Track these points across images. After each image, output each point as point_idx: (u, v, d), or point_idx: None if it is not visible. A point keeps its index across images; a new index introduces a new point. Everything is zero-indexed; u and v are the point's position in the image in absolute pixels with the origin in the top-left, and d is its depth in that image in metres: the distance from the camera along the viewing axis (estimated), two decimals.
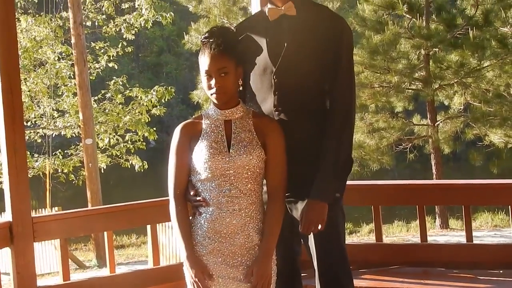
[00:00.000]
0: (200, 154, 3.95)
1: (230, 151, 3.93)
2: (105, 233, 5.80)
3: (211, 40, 3.92)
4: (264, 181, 4.06)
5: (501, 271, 5.73)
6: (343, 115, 4.12)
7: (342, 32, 4.18)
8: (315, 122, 4.14)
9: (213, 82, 3.91)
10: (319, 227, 4.03)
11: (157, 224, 6.30)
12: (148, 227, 6.57)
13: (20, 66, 5.57)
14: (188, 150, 4.00)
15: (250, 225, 3.94)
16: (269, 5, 4.27)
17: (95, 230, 5.85)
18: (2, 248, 5.22)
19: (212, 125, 4.00)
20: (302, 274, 4.46)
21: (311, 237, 4.18)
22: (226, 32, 4.02)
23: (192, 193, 4.00)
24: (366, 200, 6.29)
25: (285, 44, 4.14)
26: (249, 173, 3.94)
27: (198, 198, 3.98)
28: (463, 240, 6.43)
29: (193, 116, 4.24)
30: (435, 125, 19.39)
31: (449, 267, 5.86)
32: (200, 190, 3.98)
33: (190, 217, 4.04)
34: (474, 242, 6.21)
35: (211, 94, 3.95)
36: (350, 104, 4.17)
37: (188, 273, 3.96)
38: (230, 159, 3.91)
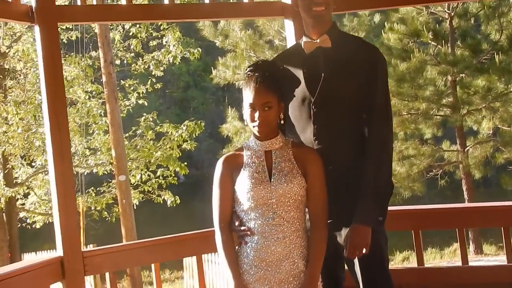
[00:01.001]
0: (243, 185, 4.06)
1: (272, 180, 4.04)
2: (153, 265, 5.90)
3: (256, 74, 4.04)
4: (307, 209, 4.15)
5: None
6: (381, 141, 4.23)
7: (376, 62, 4.30)
8: (354, 150, 4.25)
9: (256, 115, 4.02)
10: (364, 251, 4.12)
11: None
12: (193, 258, 6.66)
13: None
14: (231, 181, 4.12)
15: (295, 252, 4.03)
16: (304, 38, 4.42)
17: (143, 263, 5.96)
18: (55, 283, 5.32)
19: (253, 156, 4.12)
20: None
21: (356, 262, 4.27)
22: (271, 67, 4.15)
23: (237, 223, 4.11)
24: (405, 225, 6.34)
25: (322, 75, 4.26)
26: (291, 201, 4.03)
27: (242, 228, 4.08)
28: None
29: (235, 149, 4.36)
30: (465, 150, 19.40)
31: None
32: (244, 220, 4.09)
33: (236, 247, 4.14)
34: None
35: (254, 126, 4.06)
36: (388, 131, 4.28)
37: None
38: (272, 188, 4.02)
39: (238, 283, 4.02)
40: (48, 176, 18.51)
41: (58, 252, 5.32)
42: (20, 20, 5.48)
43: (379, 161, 4.21)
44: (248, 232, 4.06)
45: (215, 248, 4.18)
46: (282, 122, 4.18)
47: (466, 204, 7.90)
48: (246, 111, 4.08)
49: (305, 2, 4.31)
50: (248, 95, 4.06)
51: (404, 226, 6.35)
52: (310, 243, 4.09)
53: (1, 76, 19.54)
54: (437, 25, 19.70)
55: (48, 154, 5.44)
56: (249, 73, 4.09)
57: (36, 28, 5.38)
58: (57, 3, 5.72)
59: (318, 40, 4.35)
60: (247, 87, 4.07)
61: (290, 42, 5.92)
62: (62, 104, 5.43)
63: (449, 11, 19.58)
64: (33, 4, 5.36)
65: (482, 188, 26.00)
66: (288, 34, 6.08)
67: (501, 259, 17.19)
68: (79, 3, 5.73)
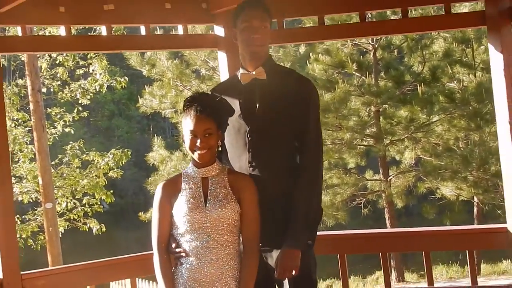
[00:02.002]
0: (180, 209, 4.30)
1: (207, 205, 4.29)
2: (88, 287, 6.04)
3: (195, 104, 4.28)
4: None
5: None
6: (312, 169, 4.49)
7: (309, 94, 4.60)
8: (287, 176, 4.50)
9: (198, 142, 4.25)
10: (293, 272, 4.35)
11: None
12: (128, 281, 6.79)
13: None
14: (169, 206, 4.36)
15: (227, 273, 4.29)
16: (241, 70, 4.66)
17: (81, 285, 6.12)
18: None
19: (191, 182, 4.36)
20: None
21: (286, 284, 4.49)
22: (209, 98, 4.41)
23: (173, 245, 4.35)
24: (331, 249, 6.55)
25: (257, 105, 4.51)
26: (225, 225, 4.29)
27: (178, 250, 4.33)
28: None
29: (173, 175, 4.60)
30: (388, 179, 19.77)
31: None
32: (180, 242, 4.33)
33: (173, 268, 4.37)
34: None
35: (194, 153, 4.29)
36: (319, 159, 4.56)
37: None
38: (207, 212, 4.27)
39: None
40: None
41: None
42: None
43: (309, 189, 4.45)
44: (183, 254, 4.29)
45: (150, 271, 4.41)
46: (220, 149, 4.41)
47: (389, 230, 8.19)
48: (187, 138, 4.30)
49: (243, 37, 4.53)
50: (188, 124, 4.27)
51: (329, 250, 6.57)
52: (242, 265, 4.34)
53: None
54: (361, 56, 20.09)
55: None
56: (188, 103, 4.31)
57: None
58: None
59: (254, 72, 4.58)
60: (187, 116, 4.28)
61: (223, 72, 6.14)
62: (3, 129, 5.54)
63: (373, 43, 19.97)
64: None
65: (404, 217, 26.44)
66: (221, 65, 6.29)
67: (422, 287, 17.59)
68: (20, 34, 5.83)
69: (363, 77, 19.46)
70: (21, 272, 5.62)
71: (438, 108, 18.92)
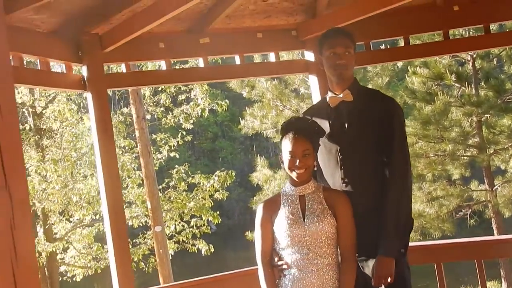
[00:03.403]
0: (280, 225, 4.65)
1: (305, 220, 4.61)
2: None
3: (293, 127, 4.62)
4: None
5: None
6: (400, 180, 4.77)
7: (393, 111, 4.88)
8: (377, 190, 4.77)
9: (297, 162, 4.58)
10: (389, 280, 4.63)
11: None
12: None
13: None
14: (270, 222, 4.71)
15: (328, 283, 4.59)
16: (329, 94, 4.99)
17: None
18: None
19: (289, 200, 4.70)
20: None
21: None
22: (304, 121, 4.76)
23: (276, 259, 4.69)
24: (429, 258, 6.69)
25: (346, 125, 4.85)
26: (323, 238, 4.61)
27: (281, 263, 4.66)
28: None
29: (273, 195, 4.91)
30: (493, 189, 19.54)
31: None
32: (283, 256, 4.67)
33: (277, 280, 4.69)
34: None
35: (293, 172, 4.63)
36: (406, 170, 4.82)
37: None
38: (306, 227, 4.59)
39: None
40: (85, 230, 18.99)
41: None
42: (75, 88, 6.03)
43: (398, 199, 4.72)
44: (286, 266, 4.62)
45: (254, 286, 4.73)
46: (316, 169, 4.76)
47: (486, 237, 8.26)
48: (286, 159, 4.63)
49: (329, 63, 4.83)
50: (287, 145, 4.61)
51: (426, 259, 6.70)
52: (341, 274, 4.64)
53: (39, 136, 20.08)
54: (459, 67, 19.95)
55: (102, 205, 5.99)
56: (286, 127, 4.65)
57: (89, 95, 5.91)
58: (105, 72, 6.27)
59: (341, 95, 4.90)
60: (285, 138, 4.62)
61: (315, 94, 6.42)
62: (114, 158, 5.97)
63: (471, 53, 19.84)
64: (85, 73, 5.89)
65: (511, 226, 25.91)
66: (312, 87, 6.57)
67: None
68: (124, 70, 6.24)
69: (462, 87, 19.36)
70: None
71: None
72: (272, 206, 4.75)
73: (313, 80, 6.51)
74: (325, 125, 4.89)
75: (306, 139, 4.60)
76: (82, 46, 5.91)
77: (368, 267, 4.75)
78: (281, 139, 4.69)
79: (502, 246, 6.67)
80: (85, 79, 5.92)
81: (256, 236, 4.76)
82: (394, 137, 4.79)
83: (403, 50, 6.71)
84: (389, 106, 4.91)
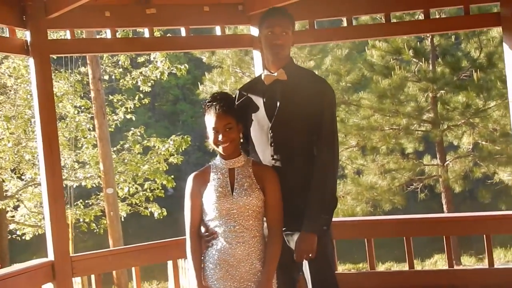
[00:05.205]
0: (209, 198, 4.80)
1: (233, 194, 4.78)
2: (133, 268, 6.52)
3: (214, 103, 4.76)
4: (265, 218, 4.88)
5: None
6: (327, 160, 4.94)
7: (324, 92, 5.04)
8: (306, 167, 4.94)
9: (220, 136, 4.74)
10: (310, 255, 4.81)
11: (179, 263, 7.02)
12: (170, 263, 7.22)
13: None
14: (199, 195, 4.86)
15: (253, 254, 4.78)
16: (265, 71, 5.13)
17: (125, 266, 6.67)
18: (46, 284, 5.94)
19: (218, 173, 4.86)
20: None
21: (306, 265, 4.96)
22: (226, 96, 4.90)
23: (203, 230, 4.86)
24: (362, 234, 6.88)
25: (278, 104, 4.97)
26: (250, 212, 4.78)
27: (207, 234, 4.83)
28: None
29: (203, 167, 5.04)
30: (445, 164, 19.81)
31: None
32: (210, 228, 4.82)
33: (204, 251, 4.86)
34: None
35: (219, 147, 4.78)
36: (334, 151, 4.99)
37: None
38: (234, 200, 4.76)
39: (199, 283, 4.79)
40: (37, 189, 18.90)
41: (50, 256, 5.96)
42: (17, 53, 6.05)
43: (324, 178, 4.89)
44: (214, 235, 4.78)
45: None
46: (241, 141, 4.91)
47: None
48: (211, 135, 4.79)
49: (267, 42, 4.92)
50: (210, 120, 4.76)
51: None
52: (266, 248, 4.82)
53: None
54: (418, 43, 20.10)
55: (40, 167, 6.09)
56: (208, 104, 4.80)
57: (31, 60, 5.93)
58: (49, 38, 6.27)
59: (276, 74, 5.01)
60: (208, 114, 4.77)
61: (258, 69, 6.51)
62: (53, 125, 6.01)
63: None
64: (28, 38, 5.90)
65: (460, 201, 26.21)
66: (256, 62, 6.66)
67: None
68: (69, 37, 6.26)
69: (420, 63, 19.51)
70: (71, 255, 6.21)
71: (494, 94, 18.85)
72: (202, 178, 4.88)
73: (256, 55, 6.60)
74: (259, 102, 5.04)
75: (227, 113, 4.75)
76: (27, 11, 5.92)
77: (293, 241, 4.91)
78: (205, 115, 4.82)
79: (432, 224, 6.86)
80: (28, 44, 5.92)
81: (186, 207, 4.89)
82: (324, 118, 4.93)
83: (346, 30, 6.81)
84: (321, 87, 5.04)
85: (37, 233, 19.50)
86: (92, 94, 18.49)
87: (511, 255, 20.49)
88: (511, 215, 6.98)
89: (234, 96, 5.11)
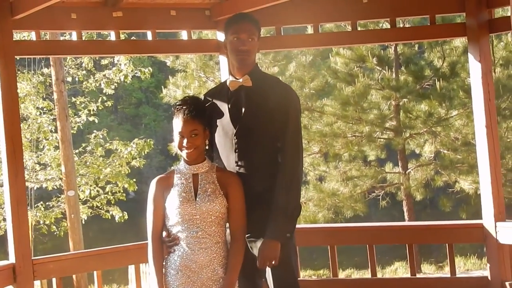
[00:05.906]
0: (172, 202, 4.77)
1: (197, 199, 4.75)
2: (95, 272, 6.47)
3: (184, 107, 4.73)
4: (227, 224, 4.87)
5: None
6: (291, 167, 4.95)
7: (289, 99, 5.05)
8: (269, 174, 4.95)
9: (185, 142, 4.72)
10: (273, 262, 4.81)
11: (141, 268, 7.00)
12: (132, 267, 7.19)
13: None
14: (162, 199, 4.83)
15: (215, 261, 4.77)
16: (230, 78, 5.12)
17: (87, 270, 6.67)
18: (6, 287, 5.91)
19: (182, 178, 4.82)
20: None
21: (268, 272, 4.96)
22: (196, 101, 4.87)
23: (165, 235, 4.83)
24: (325, 241, 6.91)
25: (243, 110, 4.98)
26: (213, 218, 4.76)
27: (168, 239, 4.80)
28: None
29: (167, 171, 5.04)
30: (407, 172, 19.89)
31: None
32: (173, 233, 4.79)
33: (166, 256, 4.82)
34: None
35: (183, 151, 4.77)
36: (298, 159, 5.00)
37: None
38: (197, 206, 4.74)
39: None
40: (0, 189, 18.68)
41: (11, 259, 5.91)
42: None
43: (288, 186, 4.89)
44: (176, 241, 4.75)
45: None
46: (207, 147, 4.89)
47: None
48: (176, 139, 4.77)
49: (232, 48, 4.93)
50: (177, 125, 4.73)
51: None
52: (229, 254, 4.81)
53: None
54: (382, 51, 20.19)
55: (3, 169, 6.01)
56: (178, 106, 4.78)
57: None
58: (14, 39, 6.22)
59: (241, 79, 5.02)
60: (176, 118, 4.75)
61: (224, 74, 6.53)
62: (17, 126, 5.97)
63: None
64: None
65: (421, 209, 26.36)
66: (222, 68, 6.68)
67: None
68: (34, 38, 6.22)
69: (383, 71, 19.60)
70: (32, 258, 6.15)
71: (457, 103, 18.98)
72: (165, 182, 4.86)
73: (223, 61, 6.61)
74: (224, 108, 5.03)
75: (195, 119, 4.72)
76: None
77: (256, 247, 4.91)
78: (173, 119, 4.80)
79: (395, 233, 6.91)
80: None
81: (148, 211, 4.87)
82: (289, 124, 4.95)
83: (313, 37, 6.85)
84: (286, 94, 5.06)
85: None
86: (55, 96, 18.35)
87: (471, 264, 20.61)
88: (472, 224, 7.04)
89: None
